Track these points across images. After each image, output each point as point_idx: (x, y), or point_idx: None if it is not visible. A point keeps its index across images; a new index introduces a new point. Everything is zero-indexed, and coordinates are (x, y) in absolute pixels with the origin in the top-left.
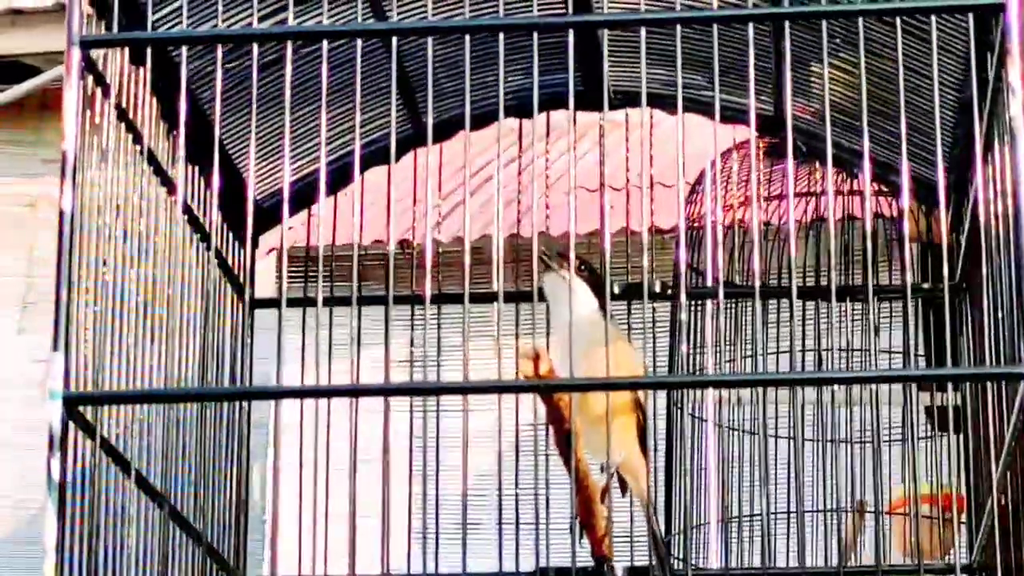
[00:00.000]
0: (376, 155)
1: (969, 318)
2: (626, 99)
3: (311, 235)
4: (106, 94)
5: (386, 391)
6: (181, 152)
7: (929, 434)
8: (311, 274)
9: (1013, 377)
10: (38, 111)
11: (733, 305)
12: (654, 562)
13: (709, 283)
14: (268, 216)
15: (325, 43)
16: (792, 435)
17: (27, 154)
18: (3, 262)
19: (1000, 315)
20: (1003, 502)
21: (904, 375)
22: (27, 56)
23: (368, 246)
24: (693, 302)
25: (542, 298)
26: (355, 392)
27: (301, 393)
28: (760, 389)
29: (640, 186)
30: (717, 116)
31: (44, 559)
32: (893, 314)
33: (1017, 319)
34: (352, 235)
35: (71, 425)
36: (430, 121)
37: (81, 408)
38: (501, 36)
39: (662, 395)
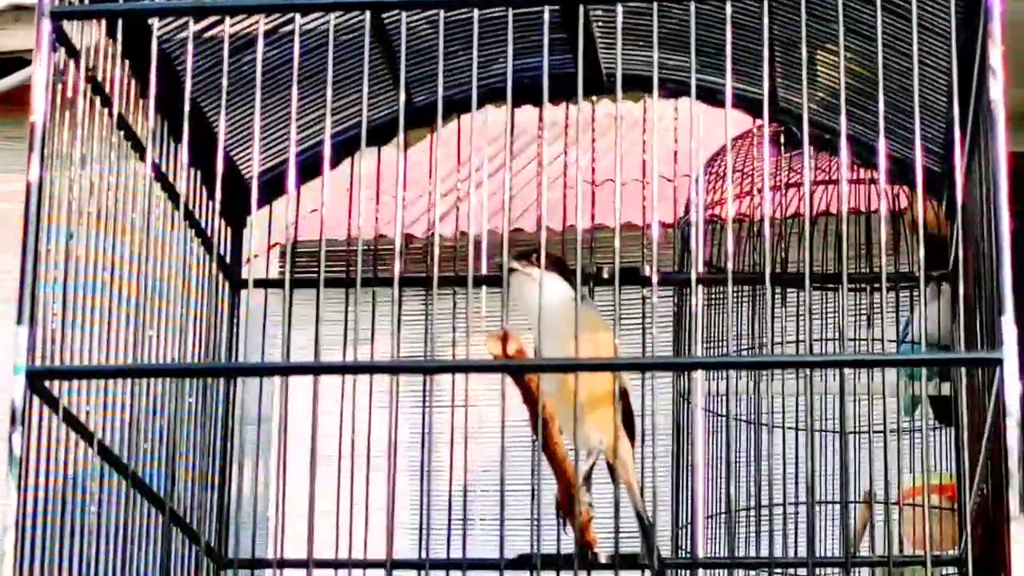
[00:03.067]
0: (359, 138)
1: (961, 305)
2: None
3: (300, 228)
4: (79, 68)
5: (372, 368)
6: (151, 124)
7: (935, 424)
8: (299, 263)
9: (990, 362)
10: None
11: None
12: (643, 551)
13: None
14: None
15: (298, 17)
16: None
17: (27, 150)
18: (3, 259)
19: (983, 301)
20: (984, 491)
21: (882, 360)
22: (30, 52)
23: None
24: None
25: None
26: (344, 369)
27: (286, 370)
28: (758, 378)
29: (638, 179)
30: (692, 95)
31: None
32: (901, 304)
33: (996, 304)
34: (342, 229)
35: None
36: (402, 97)
37: (47, 383)
38: (476, 11)
39: (666, 388)
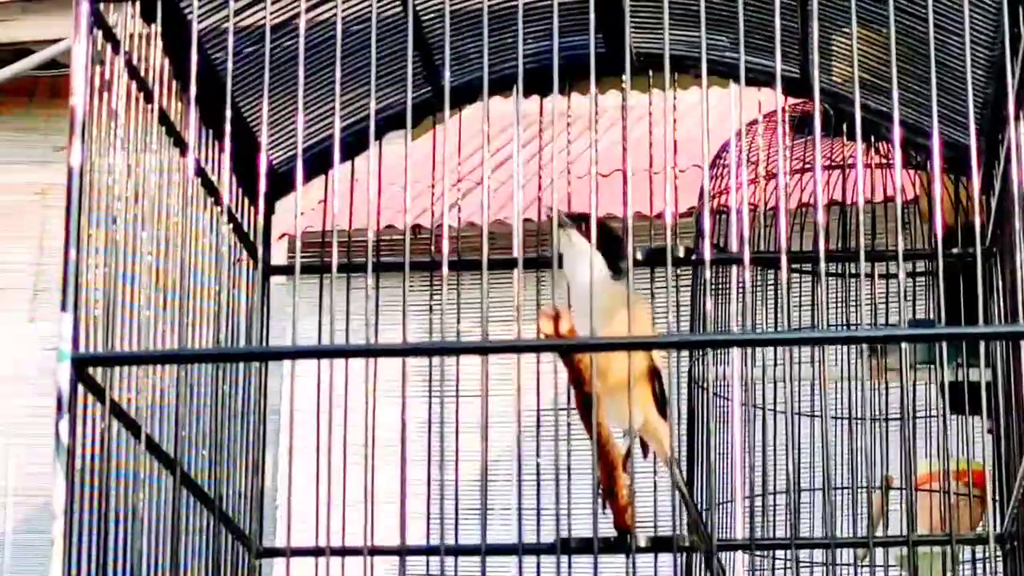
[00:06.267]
0: (393, 120)
1: (1000, 283)
2: (649, 61)
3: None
4: (117, 51)
5: (404, 351)
6: (192, 111)
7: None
8: (327, 250)
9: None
10: (49, 99)
11: (759, 279)
12: (686, 523)
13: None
14: (284, 181)
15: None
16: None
17: (37, 142)
18: (14, 250)
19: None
20: None
21: (935, 334)
22: (37, 44)
23: (382, 231)
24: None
25: (561, 265)
26: (372, 352)
27: (318, 353)
28: (787, 363)
29: (661, 172)
30: (743, 78)
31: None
32: (917, 288)
33: None
34: (367, 219)
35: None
36: (447, 75)
37: (91, 370)
38: None
39: (682, 373)
